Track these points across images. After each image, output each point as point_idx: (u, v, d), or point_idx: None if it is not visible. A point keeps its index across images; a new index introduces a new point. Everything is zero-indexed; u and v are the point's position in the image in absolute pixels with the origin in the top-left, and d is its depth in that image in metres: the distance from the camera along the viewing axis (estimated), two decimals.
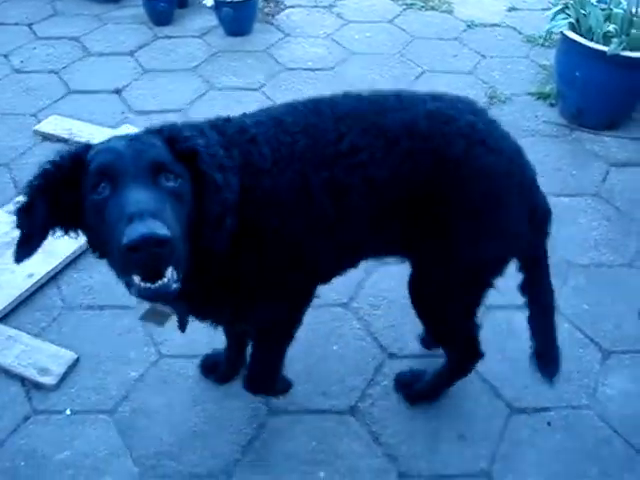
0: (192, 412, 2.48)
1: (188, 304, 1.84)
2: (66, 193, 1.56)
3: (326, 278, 2.15)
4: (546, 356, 2.31)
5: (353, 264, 2.15)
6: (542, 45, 4.79)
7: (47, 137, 3.81)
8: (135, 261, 1.38)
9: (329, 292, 2.77)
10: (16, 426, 2.41)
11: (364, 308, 2.88)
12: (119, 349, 2.69)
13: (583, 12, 3.77)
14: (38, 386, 2.53)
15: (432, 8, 5.33)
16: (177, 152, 1.57)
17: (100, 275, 2.97)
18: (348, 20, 5.14)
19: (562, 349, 2.71)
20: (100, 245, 1.61)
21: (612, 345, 2.76)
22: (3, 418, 2.44)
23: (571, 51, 3.88)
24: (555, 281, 3.01)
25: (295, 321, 2.15)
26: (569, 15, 3.85)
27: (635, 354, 2.73)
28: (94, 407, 2.49)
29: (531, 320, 2.27)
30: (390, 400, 2.54)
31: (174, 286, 1.46)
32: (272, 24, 5.06)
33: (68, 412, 2.47)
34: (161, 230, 1.35)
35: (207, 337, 2.70)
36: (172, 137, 1.60)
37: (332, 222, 1.86)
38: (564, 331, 2.79)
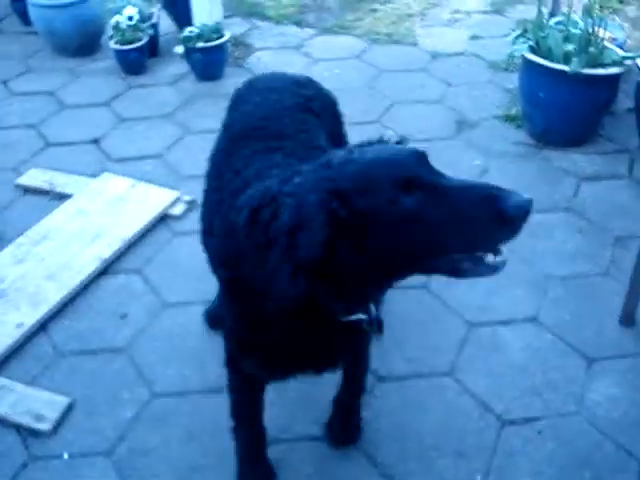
0: (189, 447, 2.50)
1: None
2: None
3: None
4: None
5: None
6: (505, 70, 4.93)
7: (28, 190, 3.86)
8: (514, 230, 1.36)
9: None
10: (15, 474, 2.41)
11: None
12: (112, 391, 2.70)
13: (542, 34, 3.91)
14: (34, 433, 2.54)
15: (397, 42, 5.47)
16: None
17: (89, 321, 3.01)
18: (316, 59, 5.27)
19: (547, 359, 2.80)
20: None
21: (595, 352, 2.82)
22: (1, 467, 2.44)
23: (533, 73, 4.00)
24: (536, 294, 3.10)
25: None
26: (529, 38, 3.99)
27: (617, 359, 2.79)
28: (91, 449, 2.50)
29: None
30: (382, 422, 2.57)
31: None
32: (243, 67, 5.17)
33: (66, 456, 2.47)
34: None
35: (199, 374, 2.75)
36: None
37: None
38: (547, 341, 2.86)
